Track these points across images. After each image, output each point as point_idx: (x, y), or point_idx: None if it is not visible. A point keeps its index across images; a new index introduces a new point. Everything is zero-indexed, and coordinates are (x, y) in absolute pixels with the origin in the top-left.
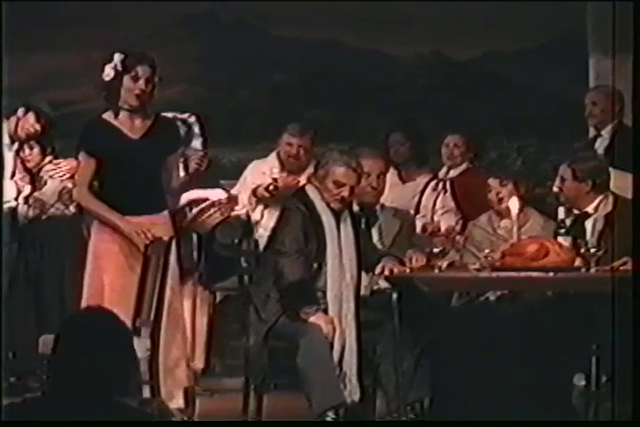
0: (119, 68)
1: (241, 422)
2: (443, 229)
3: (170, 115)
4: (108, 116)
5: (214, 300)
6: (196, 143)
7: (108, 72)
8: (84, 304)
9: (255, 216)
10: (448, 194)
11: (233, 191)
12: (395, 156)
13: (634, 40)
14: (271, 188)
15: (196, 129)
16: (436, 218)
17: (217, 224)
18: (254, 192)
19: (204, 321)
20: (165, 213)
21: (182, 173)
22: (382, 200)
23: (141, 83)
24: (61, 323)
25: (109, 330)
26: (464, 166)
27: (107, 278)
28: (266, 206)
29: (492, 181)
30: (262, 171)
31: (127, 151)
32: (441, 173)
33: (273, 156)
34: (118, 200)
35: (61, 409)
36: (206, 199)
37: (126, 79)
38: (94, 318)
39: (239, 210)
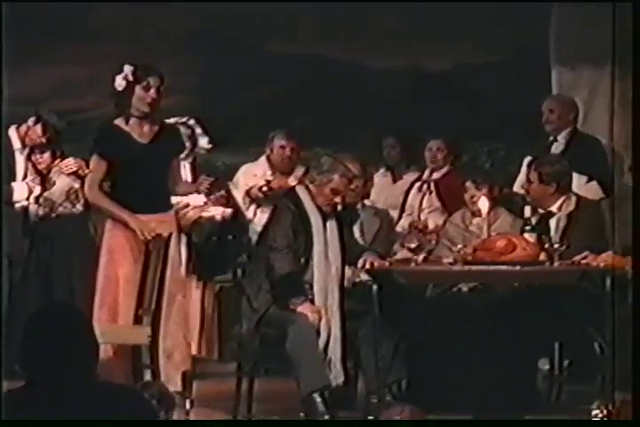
0: (130, 78)
1: (240, 421)
2: (431, 226)
3: (172, 120)
4: (119, 122)
5: (219, 291)
6: (203, 142)
7: (120, 82)
8: (99, 294)
9: (249, 215)
10: (433, 194)
11: (222, 193)
12: (387, 158)
13: (633, 42)
14: (264, 189)
15: (199, 130)
16: (422, 216)
17: (192, 223)
18: (248, 193)
19: (212, 312)
20: (172, 211)
21: (189, 176)
22: (376, 199)
23: (152, 92)
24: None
25: (70, 319)
26: (446, 169)
27: (121, 271)
28: (258, 206)
29: (469, 184)
30: (254, 173)
31: (137, 155)
32: (425, 175)
33: (263, 159)
34: (129, 200)
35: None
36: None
37: (138, 89)
38: (57, 310)
39: (213, 211)
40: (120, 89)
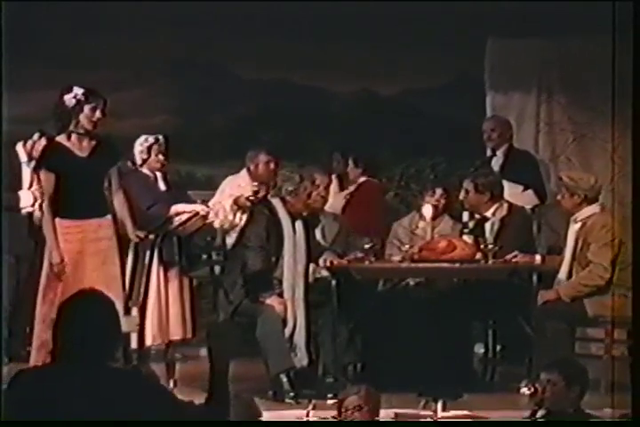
0: (82, 98)
1: (241, 421)
2: None
3: (143, 137)
4: (61, 138)
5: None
6: (160, 157)
7: (70, 101)
8: (43, 285)
9: (235, 221)
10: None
11: (213, 201)
12: (336, 169)
13: (633, 41)
14: (252, 198)
15: (162, 147)
16: None
17: (196, 230)
18: (236, 201)
19: (187, 302)
20: (109, 216)
21: (163, 187)
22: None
23: (98, 113)
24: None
25: (100, 308)
26: (362, 179)
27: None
28: (244, 212)
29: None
30: (238, 184)
31: (78, 168)
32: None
33: (244, 172)
34: (73, 207)
35: (67, 374)
36: (188, 211)
37: (87, 108)
38: (88, 299)
39: (213, 219)
40: (70, 106)
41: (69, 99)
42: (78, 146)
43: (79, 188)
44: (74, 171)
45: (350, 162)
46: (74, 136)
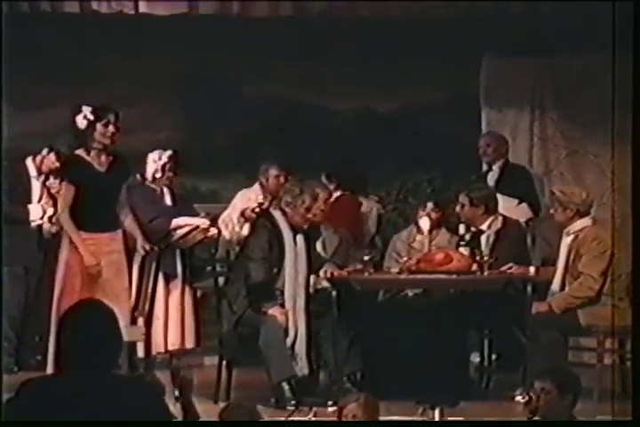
0: (91, 117)
1: (242, 422)
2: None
3: (156, 152)
4: (80, 152)
5: (195, 296)
6: (170, 174)
7: (82, 121)
8: (57, 295)
9: (243, 232)
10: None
11: (224, 214)
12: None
13: (633, 40)
14: (257, 210)
15: (173, 164)
16: None
17: (197, 242)
18: (243, 214)
19: (191, 312)
20: (119, 230)
21: (169, 202)
22: None
23: (111, 127)
24: (62, 316)
25: (100, 317)
26: (338, 193)
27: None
28: (252, 225)
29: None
30: (249, 197)
31: (96, 182)
32: None
33: (256, 186)
34: (89, 220)
35: (70, 383)
36: (189, 225)
37: (99, 126)
38: (89, 309)
39: (223, 231)
40: (83, 127)
41: (80, 120)
42: (97, 161)
43: (97, 202)
44: (93, 185)
45: (323, 178)
46: (93, 151)
